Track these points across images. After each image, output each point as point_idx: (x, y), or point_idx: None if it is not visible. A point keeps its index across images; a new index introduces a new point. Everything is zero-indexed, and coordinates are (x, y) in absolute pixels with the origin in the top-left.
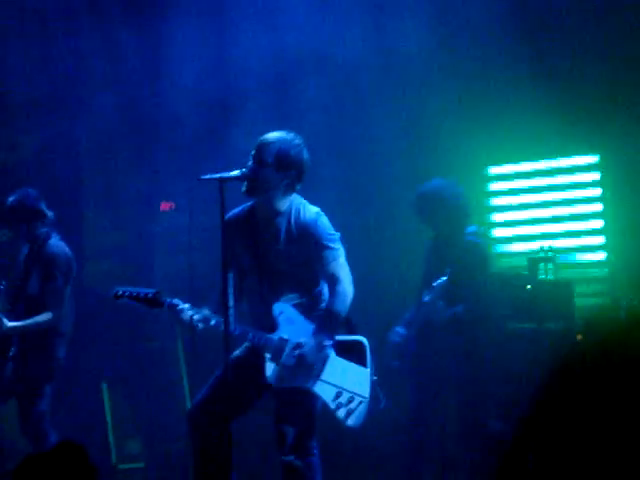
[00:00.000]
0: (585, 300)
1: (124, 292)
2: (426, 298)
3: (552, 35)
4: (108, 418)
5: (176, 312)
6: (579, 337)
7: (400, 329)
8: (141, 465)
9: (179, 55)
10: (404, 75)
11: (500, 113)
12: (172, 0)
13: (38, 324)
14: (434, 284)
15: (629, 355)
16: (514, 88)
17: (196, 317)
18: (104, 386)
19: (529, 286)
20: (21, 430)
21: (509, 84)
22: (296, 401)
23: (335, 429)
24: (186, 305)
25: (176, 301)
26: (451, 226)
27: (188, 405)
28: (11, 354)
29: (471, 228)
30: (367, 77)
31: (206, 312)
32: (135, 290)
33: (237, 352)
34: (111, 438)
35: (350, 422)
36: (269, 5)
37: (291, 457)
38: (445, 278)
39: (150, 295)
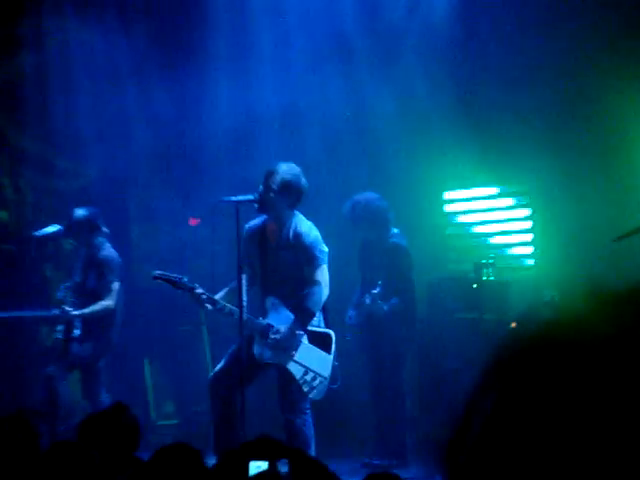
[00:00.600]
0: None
1: (161, 275)
2: (367, 300)
3: (489, 91)
4: (149, 386)
5: (196, 295)
6: (512, 325)
7: (351, 311)
8: (175, 422)
9: (205, 99)
10: (372, 120)
11: (451, 149)
12: (202, 56)
13: (95, 312)
14: (372, 291)
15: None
16: (462, 131)
17: (216, 300)
18: (145, 361)
19: (475, 285)
20: (82, 394)
21: (456, 128)
22: (289, 374)
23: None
24: (205, 292)
25: (199, 288)
26: (377, 231)
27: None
28: (74, 335)
29: (394, 230)
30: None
31: (222, 300)
32: (170, 274)
33: (243, 337)
34: (151, 401)
35: (311, 396)
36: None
37: (290, 416)
38: (378, 288)
39: (180, 279)
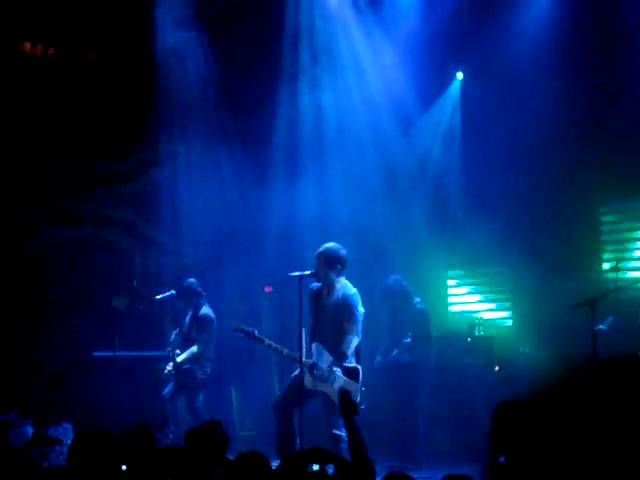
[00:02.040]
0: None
1: (241, 328)
2: (394, 352)
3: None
4: (234, 406)
5: (265, 344)
6: (496, 369)
7: (378, 357)
8: (252, 433)
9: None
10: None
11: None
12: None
13: (193, 353)
14: (405, 340)
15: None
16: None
17: (278, 348)
18: (232, 389)
19: (469, 339)
20: (188, 413)
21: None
22: (329, 399)
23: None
24: (273, 342)
25: (266, 339)
26: (403, 300)
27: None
28: (182, 370)
29: (417, 299)
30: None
31: (286, 348)
32: (248, 328)
33: (295, 372)
34: (236, 418)
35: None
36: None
37: (334, 430)
38: (409, 339)
39: (253, 332)
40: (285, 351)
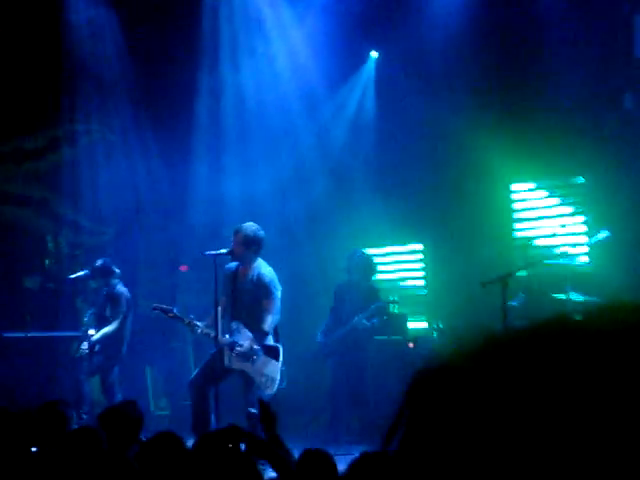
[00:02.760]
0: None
1: (160, 307)
2: (356, 318)
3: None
4: (149, 386)
5: (183, 321)
6: (410, 345)
7: (320, 336)
8: (167, 412)
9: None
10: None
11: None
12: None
13: (107, 333)
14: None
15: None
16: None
17: (199, 328)
18: (147, 368)
19: (385, 317)
20: (101, 391)
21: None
22: (249, 377)
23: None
24: (192, 319)
25: (185, 316)
26: (362, 275)
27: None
28: (95, 350)
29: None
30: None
31: (202, 325)
32: (164, 306)
33: (215, 350)
34: (151, 397)
35: (267, 392)
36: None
37: (251, 409)
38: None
39: (171, 310)
40: (204, 329)
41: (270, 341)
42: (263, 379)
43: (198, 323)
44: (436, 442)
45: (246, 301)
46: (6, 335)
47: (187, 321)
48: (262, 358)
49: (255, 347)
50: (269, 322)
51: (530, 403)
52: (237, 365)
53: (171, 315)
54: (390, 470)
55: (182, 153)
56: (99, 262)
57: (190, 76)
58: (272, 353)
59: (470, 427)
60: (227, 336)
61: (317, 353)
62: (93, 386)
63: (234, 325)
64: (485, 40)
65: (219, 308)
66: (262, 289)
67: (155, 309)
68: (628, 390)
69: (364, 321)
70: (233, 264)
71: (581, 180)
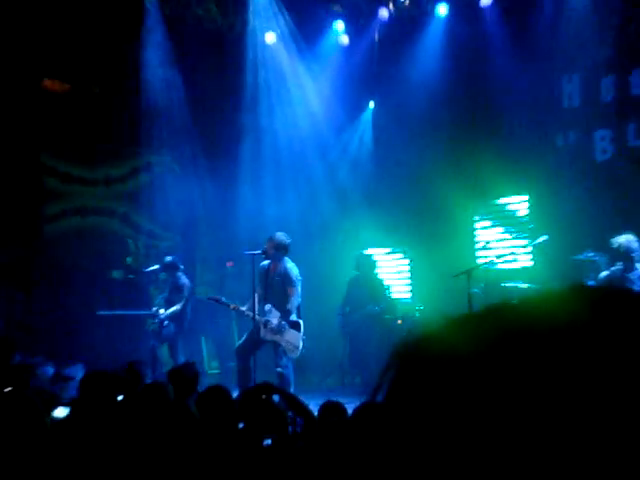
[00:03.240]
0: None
1: (212, 297)
2: (369, 307)
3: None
4: (204, 351)
5: (231, 307)
6: (399, 322)
7: (340, 315)
8: (217, 372)
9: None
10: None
11: (367, 225)
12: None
13: (173, 312)
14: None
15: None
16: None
17: (242, 309)
18: (202, 338)
19: (379, 306)
20: (169, 356)
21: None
22: (279, 345)
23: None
24: (237, 304)
25: (231, 303)
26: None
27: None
28: (164, 325)
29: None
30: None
31: (244, 307)
32: (217, 296)
33: (253, 326)
34: (205, 360)
35: (291, 355)
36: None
37: (279, 369)
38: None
39: (220, 299)
40: (245, 311)
41: (294, 317)
42: (290, 347)
43: (242, 308)
44: (414, 395)
45: (276, 289)
46: (99, 313)
47: (232, 306)
48: (288, 330)
49: (282, 322)
50: (293, 304)
51: (477, 366)
52: (269, 337)
53: (220, 303)
54: (380, 416)
55: (229, 178)
56: (167, 259)
57: (235, 117)
58: (295, 327)
59: (441, 380)
60: (262, 316)
61: (336, 328)
62: (163, 351)
63: (267, 307)
64: (454, 95)
65: (256, 295)
66: (287, 280)
67: (209, 299)
68: (552, 363)
69: (376, 308)
70: (266, 262)
71: (526, 196)
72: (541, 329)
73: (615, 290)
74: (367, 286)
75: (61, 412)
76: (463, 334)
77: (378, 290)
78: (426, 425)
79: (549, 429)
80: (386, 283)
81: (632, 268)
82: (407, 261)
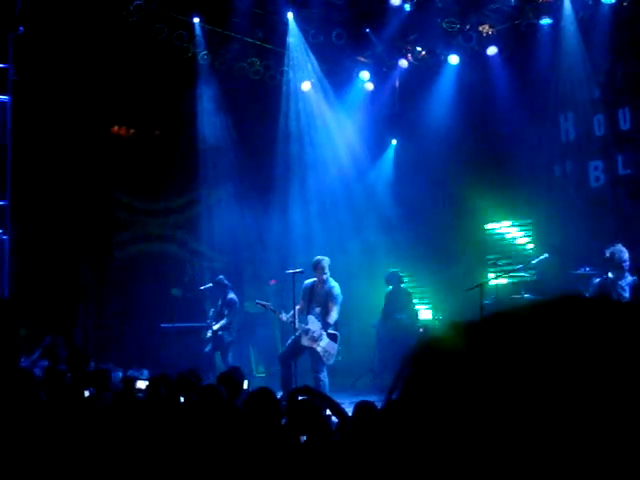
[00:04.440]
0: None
1: (259, 303)
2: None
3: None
4: (252, 357)
5: (275, 313)
6: (420, 330)
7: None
8: (264, 375)
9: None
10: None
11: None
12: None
13: (223, 325)
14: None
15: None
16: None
17: (284, 317)
18: (250, 346)
19: (400, 317)
20: (222, 361)
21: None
22: (317, 352)
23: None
24: (282, 313)
25: (277, 310)
26: (397, 285)
27: (279, 353)
28: (217, 335)
29: (402, 285)
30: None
31: (287, 316)
32: (264, 302)
33: (295, 334)
34: (253, 365)
35: (327, 362)
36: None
37: (315, 374)
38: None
39: (268, 305)
40: (289, 319)
41: (332, 329)
42: (326, 354)
43: (284, 316)
44: (428, 394)
45: (319, 303)
46: (162, 325)
47: (278, 313)
48: (326, 340)
49: (322, 332)
50: (332, 317)
51: (487, 366)
52: (309, 344)
53: (268, 307)
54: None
55: (270, 208)
56: (218, 278)
57: (276, 154)
58: (333, 337)
59: (446, 377)
60: (304, 325)
61: (372, 336)
62: (216, 358)
63: (309, 318)
64: (465, 133)
65: (297, 307)
66: (330, 296)
67: (258, 304)
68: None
69: (401, 317)
70: (310, 280)
71: (529, 220)
72: (529, 332)
73: (601, 299)
74: (398, 298)
75: (141, 384)
76: (465, 338)
77: (404, 301)
78: (434, 416)
79: (534, 426)
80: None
81: (622, 276)
82: (428, 277)
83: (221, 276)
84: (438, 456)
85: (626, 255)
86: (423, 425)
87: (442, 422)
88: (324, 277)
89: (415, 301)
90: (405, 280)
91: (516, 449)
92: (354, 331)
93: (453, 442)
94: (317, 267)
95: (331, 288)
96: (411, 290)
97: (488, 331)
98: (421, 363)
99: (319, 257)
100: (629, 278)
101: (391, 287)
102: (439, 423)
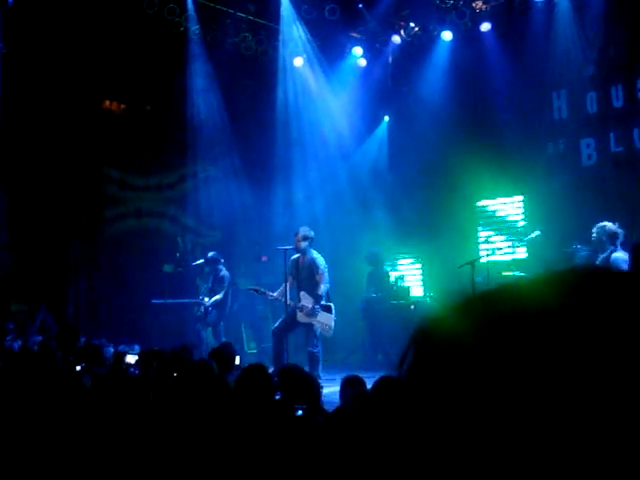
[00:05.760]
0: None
1: (250, 289)
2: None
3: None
4: (244, 334)
5: (267, 296)
6: (412, 307)
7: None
8: (255, 351)
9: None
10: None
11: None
12: (269, 184)
13: (215, 301)
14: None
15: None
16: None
17: (274, 295)
18: (242, 323)
19: (395, 288)
20: (213, 337)
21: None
22: (311, 327)
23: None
24: (271, 292)
25: (267, 292)
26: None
27: (271, 328)
28: (208, 311)
29: (386, 267)
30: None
31: (277, 292)
32: (255, 287)
33: (289, 310)
34: (245, 341)
35: (325, 335)
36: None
37: (309, 348)
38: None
39: (259, 289)
40: (279, 298)
41: (324, 301)
42: (326, 327)
43: (274, 294)
44: (432, 371)
45: (306, 277)
46: (153, 301)
47: (269, 295)
48: (321, 313)
49: (316, 307)
50: (322, 289)
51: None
52: (304, 320)
53: (258, 292)
54: (399, 388)
55: (264, 183)
56: (210, 254)
57: (268, 131)
58: (327, 309)
59: (446, 360)
60: (296, 303)
61: (359, 313)
62: (207, 334)
63: (302, 293)
64: (458, 110)
65: (287, 283)
66: (315, 268)
67: (249, 290)
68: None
69: (374, 295)
70: (295, 256)
71: (522, 197)
72: (528, 310)
73: (599, 270)
74: (377, 277)
75: (131, 359)
76: (463, 318)
77: (383, 280)
78: (436, 399)
79: (537, 409)
80: (396, 274)
81: (607, 252)
82: (418, 253)
83: (213, 252)
84: (445, 447)
85: (612, 231)
86: (425, 418)
87: (446, 412)
88: (302, 246)
89: (403, 278)
90: (398, 257)
91: (528, 439)
92: (344, 306)
93: (458, 432)
94: (297, 238)
95: (314, 260)
96: (401, 268)
97: (483, 311)
98: (422, 346)
99: (301, 228)
100: (617, 254)
101: (372, 267)
102: (442, 415)
